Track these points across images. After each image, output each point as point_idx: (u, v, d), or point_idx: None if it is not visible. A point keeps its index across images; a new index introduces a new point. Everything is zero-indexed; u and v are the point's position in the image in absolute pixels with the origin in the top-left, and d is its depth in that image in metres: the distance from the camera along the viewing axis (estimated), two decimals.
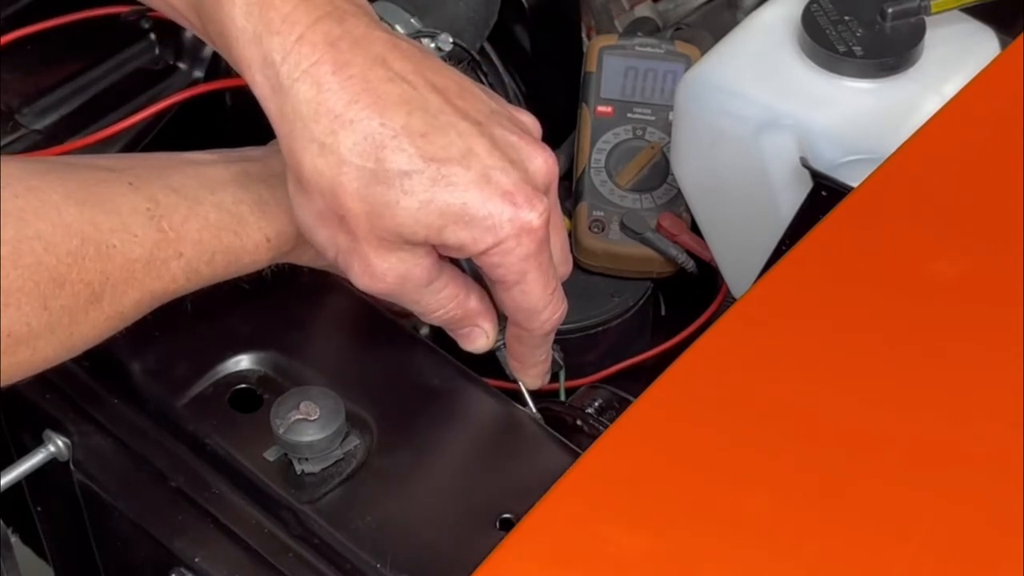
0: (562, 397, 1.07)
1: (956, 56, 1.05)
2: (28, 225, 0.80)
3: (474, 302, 0.92)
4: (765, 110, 1.05)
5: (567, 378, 1.13)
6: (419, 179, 0.83)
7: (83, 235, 0.82)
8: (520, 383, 0.98)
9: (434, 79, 0.86)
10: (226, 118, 1.12)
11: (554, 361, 1.12)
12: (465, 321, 0.92)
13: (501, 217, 0.85)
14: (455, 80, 0.87)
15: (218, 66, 1.14)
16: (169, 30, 1.09)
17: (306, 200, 0.85)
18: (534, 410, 0.97)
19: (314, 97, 0.83)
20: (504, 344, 0.96)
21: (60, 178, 0.83)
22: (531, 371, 0.96)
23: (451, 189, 0.84)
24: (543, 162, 0.88)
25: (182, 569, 0.89)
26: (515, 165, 0.86)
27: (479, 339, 0.93)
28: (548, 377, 0.98)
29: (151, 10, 1.01)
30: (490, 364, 1.01)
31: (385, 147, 0.83)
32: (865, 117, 1.03)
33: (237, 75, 0.87)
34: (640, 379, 1.15)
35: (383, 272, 0.86)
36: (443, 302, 0.90)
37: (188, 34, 1.10)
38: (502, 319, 0.95)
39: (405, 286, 0.87)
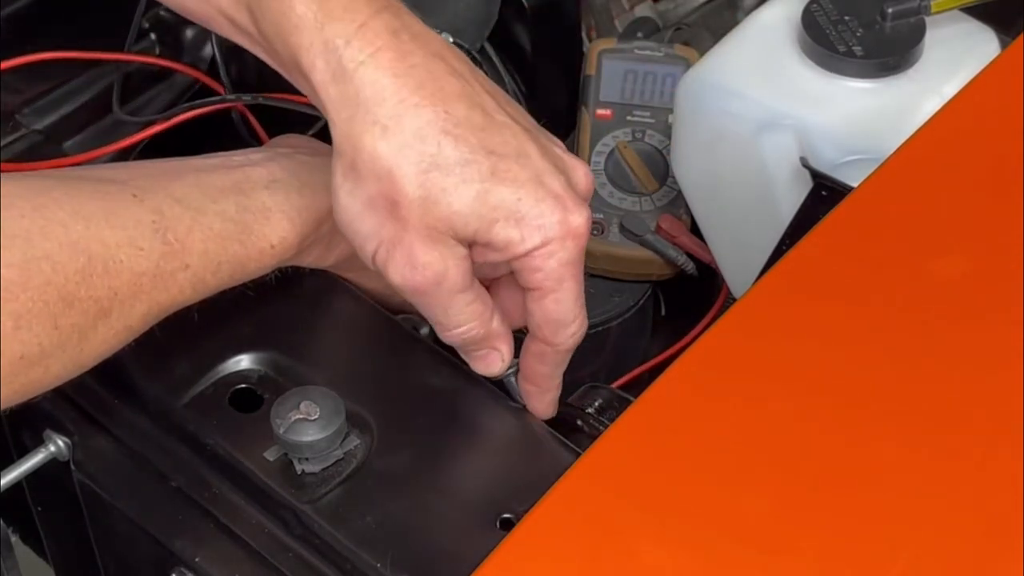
0: None
1: (956, 56, 1.06)
2: (35, 246, 0.80)
3: (496, 323, 0.91)
4: (765, 110, 1.05)
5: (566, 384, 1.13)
6: (477, 169, 0.84)
7: (90, 252, 0.82)
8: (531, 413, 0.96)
9: (485, 83, 0.88)
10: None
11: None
12: (484, 342, 0.91)
13: (551, 218, 0.85)
14: (500, 90, 0.90)
15: (217, 67, 1.14)
16: (169, 30, 1.09)
17: (357, 185, 0.85)
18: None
19: (379, 81, 0.84)
20: (515, 372, 0.95)
21: (65, 194, 0.83)
22: (546, 396, 0.94)
23: (507, 184, 0.85)
24: (584, 174, 0.90)
25: (182, 569, 0.89)
26: (561, 172, 0.87)
27: (496, 362, 0.92)
28: (556, 408, 0.96)
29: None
30: None
31: (448, 134, 0.84)
32: (865, 117, 1.04)
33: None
34: (640, 379, 1.16)
35: (425, 264, 0.85)
36: (470, 316, 0.89)
37: (188, 34, 1.10)
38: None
39: (442, 285, 0.87)
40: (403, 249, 0.85)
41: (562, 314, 0.90)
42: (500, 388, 0.96)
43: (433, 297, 0.88)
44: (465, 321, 0.89)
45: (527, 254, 0.86)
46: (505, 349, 0.92)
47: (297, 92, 0.89)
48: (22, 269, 0.79)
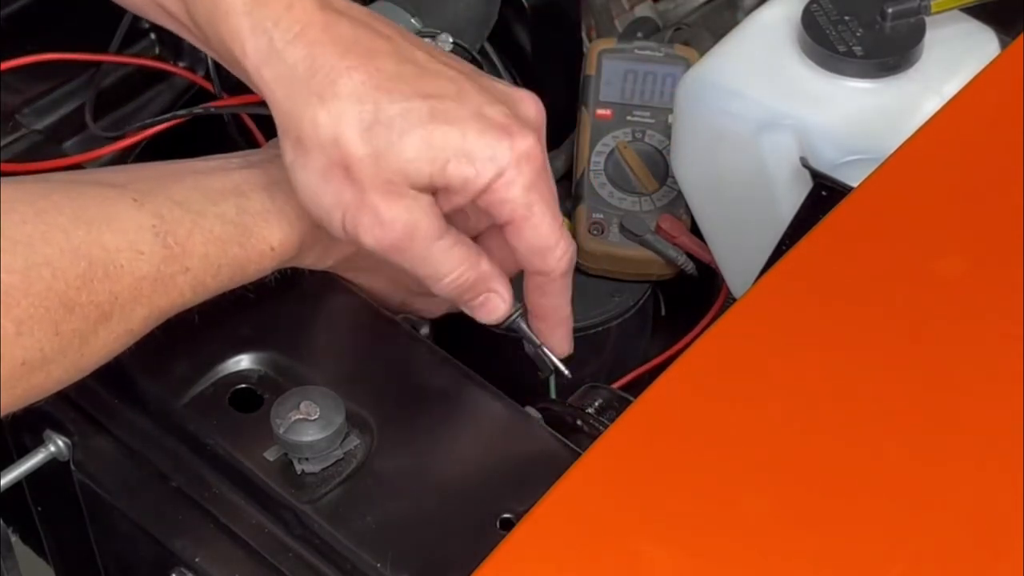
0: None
1: (956, 56, 1.05)
2: (37, 251, 0.80)
3: (486, 264, 0.91)
4: (765, 110, 1.05)
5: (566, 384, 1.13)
6: (417, 115, 0.85)
7: (91, 257, 0.82)
8: (547, 356, 0.97)
9: (414, 40, 0.90)
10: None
11: (544, 365, 1.12)
12: (479, 286, 0.91)
13: (499, 147, 0.87)
14: (432, 43, 0.93)
15: (217, 67, 1.14)
16: (169, 30, 1.09)
17: (308, 159, 0.86)
18: (566, 372, 0.98)
19: (308, 54, 0.85)
20: (522, 314, 0.95)
21: (66, 198, 0.83)
22: (558, 331, 0.96)
23: (449, 123, 0.86)
24: (531, 102, 0.91)
25: (182, 569, 0.89)
26: (505, 103, 0.89)
27: (497, 306, 0.92)
28: (572, 342, 0.97)
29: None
30: (491, 365, 1.01)
31: (381, 88, 0.85)
32: (865, 117, 1.04)
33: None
34: (640, 380, 1.16)
35: (392, 220, 0.86)
36: (455, 262, 0.89)
37: None
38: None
39: (416, 237, 0.87)
40: (367, 210, 0.86)
41: (542, 239, 0.89)
42: (511, 333, 0.95)
43: (410, 251, 0.87)
44: (452, 268, 0.89)
45: (487, 188, 0.87)
46: (502, 289, 0.92)
47: None
48: (24, 275, 0.79)
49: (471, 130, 0.86)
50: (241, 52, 0.86)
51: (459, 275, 0.90)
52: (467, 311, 0.93)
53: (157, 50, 1.12)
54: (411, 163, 0.85)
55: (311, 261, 0.95)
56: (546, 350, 0.97)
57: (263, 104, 0.89)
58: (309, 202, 0.87)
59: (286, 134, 0.86)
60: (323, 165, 0.85)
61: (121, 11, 1.09)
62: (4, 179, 0.82)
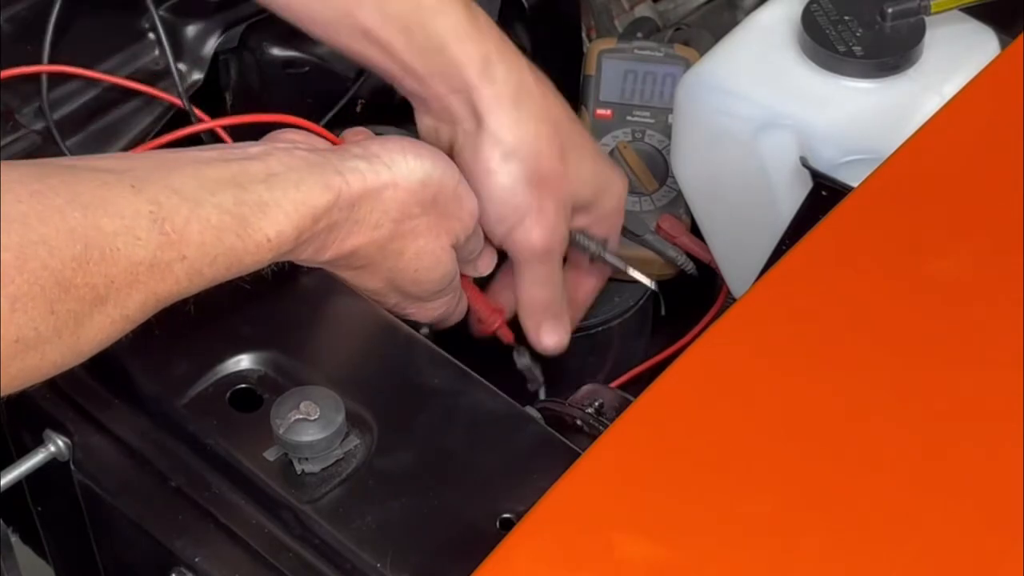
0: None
1: (956, 56, 1.06)
2: (32, 230, 0.80)
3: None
4: (765, 110, 1.05)
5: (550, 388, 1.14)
6: (590, 151, 1.07)
7: (87, 239, 0.82)
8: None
9: None
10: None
11: (534, 377, 1.12)
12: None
13: (623, 186, 1.10)
14: None
15: (216, 68, 1.14)
16: (169, 30, 1.09)
17: (518, 166, 1.02)
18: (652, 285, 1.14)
19: (523, 81, 1.03)
20: (523, 349, 1.09)
21: (62, 181, 0.83)
22: (544, 324, 1.10)
23: (605, 162, 1.10)
24: None
25: (182, 569, 0.89)
26: None
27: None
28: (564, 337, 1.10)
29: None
30: (491, 365, 1.01)
31: (572, 120, 1.07)
32: (865, 117, 1.04)
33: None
34: (640, 379, 1.16)
35: (555, 227, 1.04)
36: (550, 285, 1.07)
37: (188, 34, 1.10)
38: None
39: (557, 252, 1.05)
40: (544, 216, 1.03)
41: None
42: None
43: (549, 263, 1.05)
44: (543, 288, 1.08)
45: (609, 214, 1.09)
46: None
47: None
48: (18, 253, 0.79)
49: (613, 171, 1.09)
50: (463, 77, 1.01)
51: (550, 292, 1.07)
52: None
53: (157, 51, 1.12)
54: (583, 186, 1.05)
55: (308, 256, 0.95)
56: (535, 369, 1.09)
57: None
58: (505, 201, 1.02)
59: (499, 143, 1.02)
60: (527, 173, 1.02)
61: (121, 13, 1.09)
62: (2, 162, 0.82)
